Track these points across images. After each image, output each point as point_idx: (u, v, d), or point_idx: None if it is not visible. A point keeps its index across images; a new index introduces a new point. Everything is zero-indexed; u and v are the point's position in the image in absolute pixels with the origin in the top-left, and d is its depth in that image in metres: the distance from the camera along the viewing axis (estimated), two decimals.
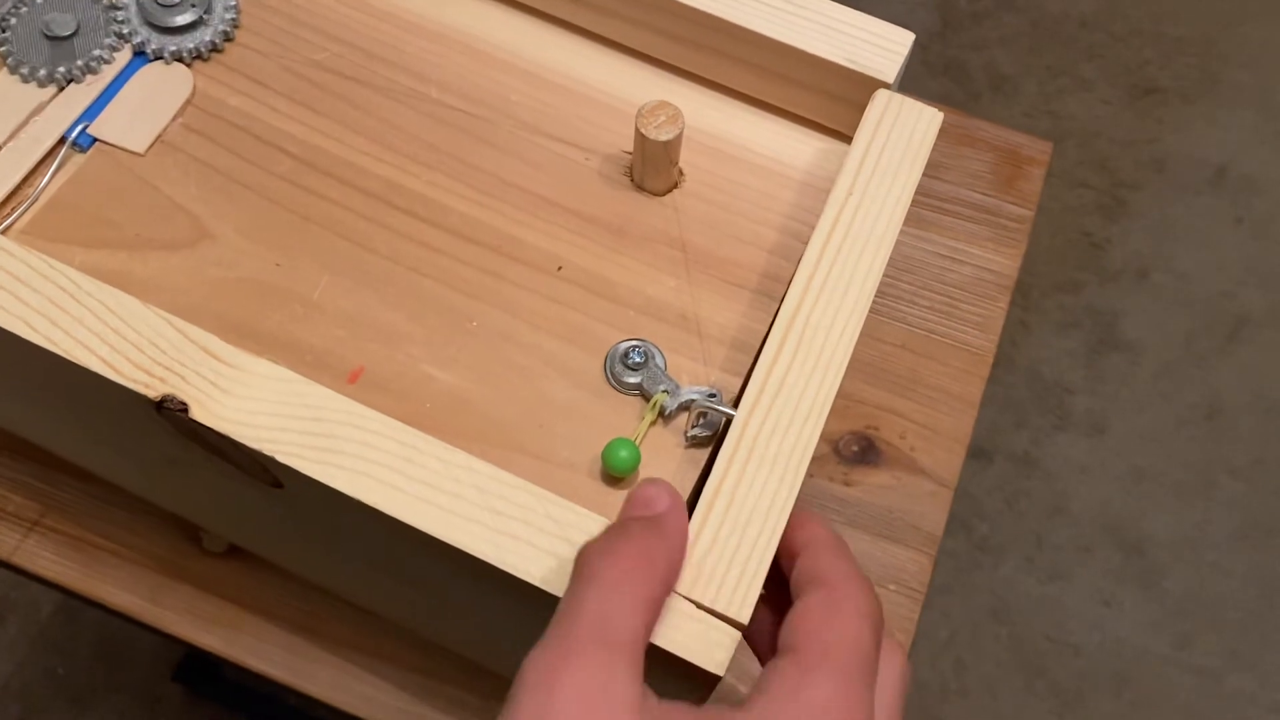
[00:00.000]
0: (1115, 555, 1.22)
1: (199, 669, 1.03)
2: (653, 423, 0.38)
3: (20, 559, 0.52)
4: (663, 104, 0.39)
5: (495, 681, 0.51)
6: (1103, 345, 1.33)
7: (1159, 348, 1.32)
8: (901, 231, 0.61)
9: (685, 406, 0.38)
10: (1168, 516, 1.24)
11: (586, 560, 0.29)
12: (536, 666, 0.26)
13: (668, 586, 0.30)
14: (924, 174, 0.63)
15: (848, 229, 0.38)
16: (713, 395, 0.37)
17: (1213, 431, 1.28)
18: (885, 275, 0.60)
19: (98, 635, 1.10)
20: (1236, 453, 1.27)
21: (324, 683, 0.51)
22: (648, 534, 0.30)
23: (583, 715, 0.25)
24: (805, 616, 0.29)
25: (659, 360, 0.38)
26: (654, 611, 0.29)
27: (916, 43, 0.41)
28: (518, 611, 0.35)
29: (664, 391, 0.37)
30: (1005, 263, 0.61)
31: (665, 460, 0.37)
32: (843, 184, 0.38)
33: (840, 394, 0.59)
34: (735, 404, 0.36)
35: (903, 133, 0.39)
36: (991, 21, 1.51)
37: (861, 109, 0.40)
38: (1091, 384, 1.31)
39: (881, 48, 0.41)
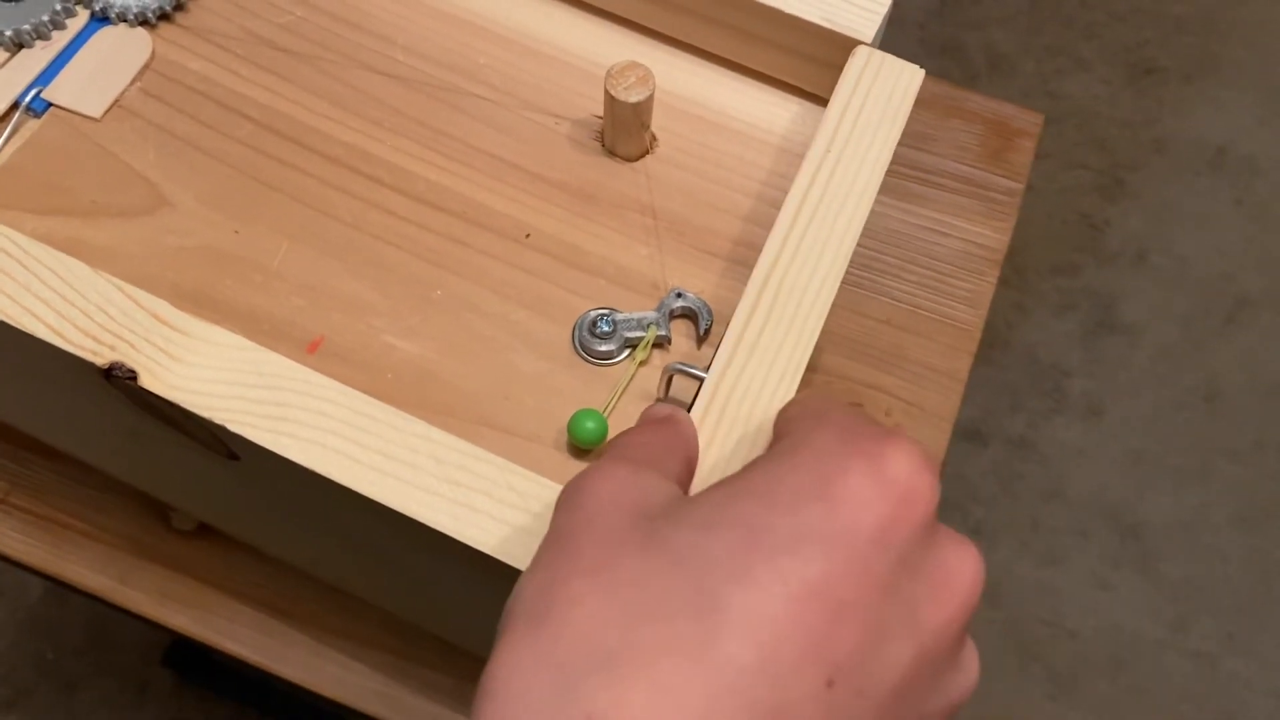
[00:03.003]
0: (1112, 539, 1.21)
1: (189, 654, 1.02)
2: (643, 362, 0.37)
3: None
4: (632, 64, 0.38)
5: (470, 662, 0.50)
6: (1100, 328, 1.31)
7: (1157, 330, 1.31)
8: (887, 204, 0.60)
9: (664, 341, 0.37)
10: (1165, 500, 1.23)
11: (602, 454, 0.29)
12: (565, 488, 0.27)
13: (689, 469, 0.30)
14: (911, 146, 0.61)
15: (825, 187, 0.36)
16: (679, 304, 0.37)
17: (1211, 414, 1.27)
18: (870, 249, 0.59)
19: (87, 619, 1.09)
20: (1234, 436, 1.26)
21: (296, 664, 0.50)
22: (660, 427, 0.30)
23: (612, 500, 0.26)
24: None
25: (625, 318, 0.38)
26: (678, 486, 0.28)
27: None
28: (484, 585, 0.34)
29: (651, 325, 0.37)
30: (994, 236, 0.60)
31: None
32: (820, 142, 0.37)
33: (823, 370, 0.57)
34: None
35: (883, 89, 0.38)
36: (990, 0, 1.49)
37: (840, 71, 0.39)
38: (1089, 367, 1.29)
39: (860, 6, 0.39)
